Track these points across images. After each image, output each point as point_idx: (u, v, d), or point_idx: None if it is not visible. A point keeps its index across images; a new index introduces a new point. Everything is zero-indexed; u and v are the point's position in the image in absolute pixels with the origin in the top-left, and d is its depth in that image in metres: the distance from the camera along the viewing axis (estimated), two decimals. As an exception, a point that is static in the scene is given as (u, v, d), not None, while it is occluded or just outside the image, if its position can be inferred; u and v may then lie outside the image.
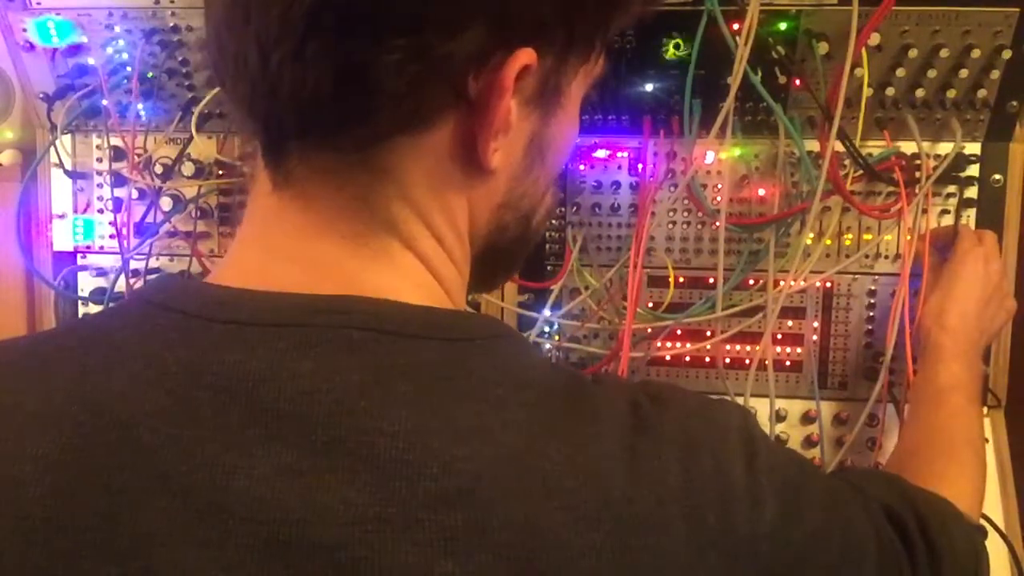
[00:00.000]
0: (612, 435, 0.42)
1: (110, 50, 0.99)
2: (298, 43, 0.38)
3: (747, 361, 0.91)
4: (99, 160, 1.06)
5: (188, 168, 1.01)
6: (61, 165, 1.06)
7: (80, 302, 1.08)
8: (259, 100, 0.41)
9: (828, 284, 0.97)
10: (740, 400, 0.90)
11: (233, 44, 0.41)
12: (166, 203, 1.01)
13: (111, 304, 1.04)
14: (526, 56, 0.41)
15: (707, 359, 0.98)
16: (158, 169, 1.02)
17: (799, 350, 0.97)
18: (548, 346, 0.99)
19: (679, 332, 0.96)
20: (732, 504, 0.42)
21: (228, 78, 0.42)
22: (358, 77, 0.39)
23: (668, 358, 0.98)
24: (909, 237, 0.92)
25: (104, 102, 1.00)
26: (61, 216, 1.08)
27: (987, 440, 0.93)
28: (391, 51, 0.39)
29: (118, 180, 1.04)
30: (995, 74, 0.87)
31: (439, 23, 0.39)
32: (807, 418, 0.97)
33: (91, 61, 1.00)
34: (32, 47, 1.00)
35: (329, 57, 0.39)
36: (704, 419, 0.45)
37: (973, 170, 0.93)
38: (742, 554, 0.42)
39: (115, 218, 1.04)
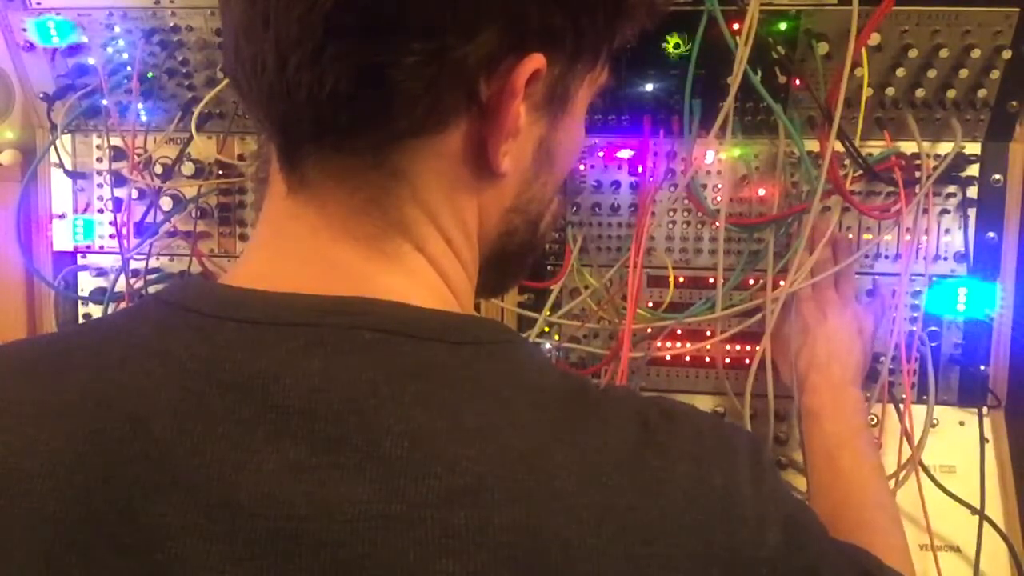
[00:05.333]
0: (618, 444, 0.42)
1: (110, 50, 0.99)
2: (317, 46, 0.39)
3: (747, 361, 0.91)
4: (99, 160, 1.06)
5: (188, 168, 1.01)
6: (61, 165, 1.06)
7: (80, 302, 1.08)
8: (276, 103, 0.42)
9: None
10: (740, 400, 0.90)
11: (251, 48, 0.41)
12: (166, 203, 1.01)
13: (112, 304, 1.04)
14: (536, 61, 0.42)
15: (707, 359, 0.98)
16: (158, 169, 1.02)
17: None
18: (548, 346, 0.99)
19: (679, 332, 0.96)
20: (739, 524, 0.42)
21: (245, 83, 0.43)
22: (375, 79, 0.40)
23: (668, 358, 0.98)
24: (908, 237, 0.92)
25: (104, 102, 1.00)
26: (61, 216, 1.08)
27: (987, 440, 0.93)
28: (408, 53, 0.39)
29: (118, 180, 1.04)
30: (995, 74, 0.87)
31: (455, 26, 0.39)
32: (807, 418, 0.96)
33: (91, 61, 1.00)
34: (32, 47, 1.00)
35: (347, 59, 0.39)
36: (715, 438, 0.45)
37: (973, 170, 0.93)
38: (742, 575, 0.42)
39: (115, 218, 1.04)
